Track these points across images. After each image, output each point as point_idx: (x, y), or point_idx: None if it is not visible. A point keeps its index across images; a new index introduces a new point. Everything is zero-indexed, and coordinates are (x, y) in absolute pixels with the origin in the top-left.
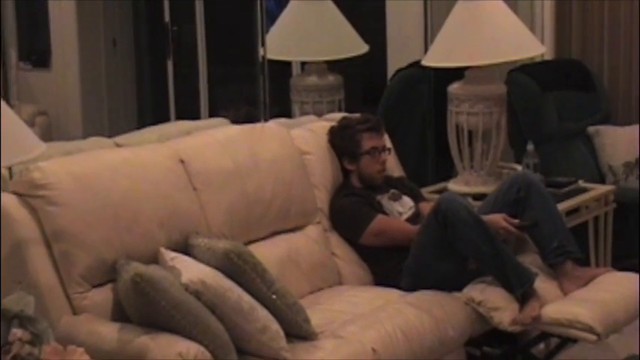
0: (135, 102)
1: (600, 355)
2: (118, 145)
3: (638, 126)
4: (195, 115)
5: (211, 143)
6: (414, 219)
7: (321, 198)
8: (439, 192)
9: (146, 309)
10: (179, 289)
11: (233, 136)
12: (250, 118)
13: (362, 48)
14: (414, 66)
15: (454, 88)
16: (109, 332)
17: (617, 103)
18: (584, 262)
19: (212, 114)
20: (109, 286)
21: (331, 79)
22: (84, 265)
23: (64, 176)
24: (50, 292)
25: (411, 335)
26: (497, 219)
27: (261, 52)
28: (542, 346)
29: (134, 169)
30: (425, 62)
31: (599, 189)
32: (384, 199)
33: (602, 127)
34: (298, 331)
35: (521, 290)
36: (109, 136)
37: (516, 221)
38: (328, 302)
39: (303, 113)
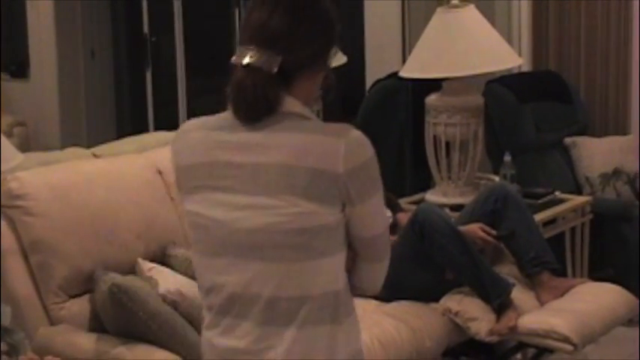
0: (113, 112)
1: None
2: (95, 156)
3: (614, 137)
4: (174, 126)
5: None
6: (391, 229)
7: None
8: (417, 203)
9: (123, 319)
10: (156, 300)
11: None
12: None
13: (340, 59)
14: (392, 77)
15: (432, 99)
16: (85, 343)
17: (593, 115)
18: (561, 273)
19: None
20: (87, 296)
21: None
22: (61, 275)
23: (41, 187)
24: (27, 302)
25: (388, 346)
26: (475, 229)
27: None
28: (519, 356)
29: (112, 180)
30: (402, 74)
31: (576, 200)
32: None
33: (579, 139)
34: None
35: (498, 301)
36: (88, 147)
37: (493, 231)
38: None
39: None
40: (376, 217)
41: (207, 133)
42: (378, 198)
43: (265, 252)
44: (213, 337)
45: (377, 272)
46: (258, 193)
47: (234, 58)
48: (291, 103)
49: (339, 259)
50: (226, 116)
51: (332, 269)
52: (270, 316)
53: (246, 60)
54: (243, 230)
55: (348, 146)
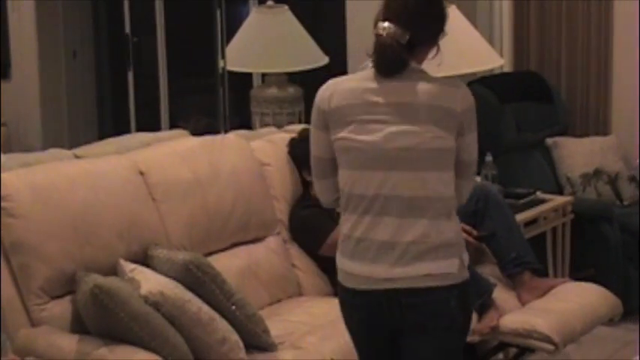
0: (95, 113)
1: None
2: (77, 157)
3: (595, 138)
4: (155, 127)
5: (171, 155)
6: None
7: (281, 209)
8: None
9: (105, 320)
10: (138, 301)
11: (193, 147)
12: (210, 130)
13: (322, 60)
14: None
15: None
16: (67, 344)
17: (574, 115)
18: (542, 273)
19: (172, 125)
20: (68, 297)
21: (291, 90)
22: (42, 276)
23: (22, 188)
24: (8, 304)
25: None
26: None
27: (221, 63)
28: (500, 356)
29: (93, 181)
30: None
31: (557, 200)
32: None
33: (560, 139)
34: (258, 342)
35: (480, 301)
36: (69, 148)
37: (474, 232)
38: (288, 313)
39: (264, 125)
40: (475, 145)
41: (356, 84)
42: (475, 133)
43: (408, 164)
44: (355, 235)
45: (466, 187)
46: (404, 123)
47: (378, 30)
48: (415, 64)
49: (452, 175)
50: (367, 73)
51: (449, 180)
52: (408, 212)
53: (388, 31)
54: (393, 149)
55: (463, 93)
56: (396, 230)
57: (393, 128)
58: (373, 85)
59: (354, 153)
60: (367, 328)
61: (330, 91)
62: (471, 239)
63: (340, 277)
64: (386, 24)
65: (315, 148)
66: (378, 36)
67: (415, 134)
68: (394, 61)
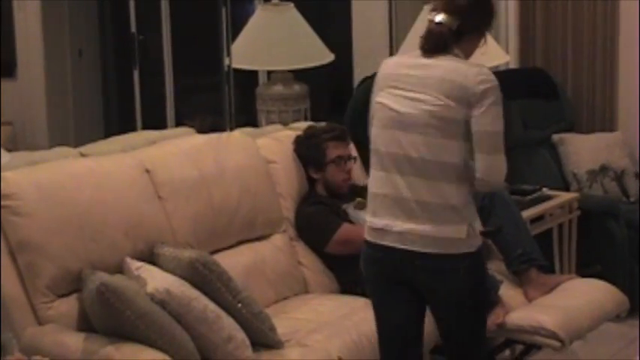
0: (101, 112)
1: None
2: (83, 155)
3: (601, 134)
4: (161, 125)
5: (177, 153)
6: None
7: (287, 207)
8: None
9: (111, 319)
10: (144, 299)
11: (198, 145)
12: (216, 128)
13: (328, 57)
14: None
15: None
16: (74, 342)
17: (580, 112)
18: (549, 270)
19: (178, 123)
20: (75, 296)
21: (297, 88)
22: (49, 275)
23: (28, 186)
24: (15, 302)
25: (376, 343)
26: None
27: (226, 61)
28: (507, 352)
29: (99, 179)
30: None
31: (564, 196)
32: (350, 208)
33: (566, 135)
34: (264, 340)
35: (487, 297)
36: (75, 146)
37: (480, 228)
38: (294, 311)
39: (269, 122)
40: (488, 121)
41: (403, 59)
42: (491, 109)
43: (417, 127)
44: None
45: (483, 161)
46: (420, 92)
47: (429, 17)
48: (457, 51)
49: (462, 145)
50: (417, 52)
51: (456, 149)
52: (416, 172)
53: (438, 19)
54: (406, 112)
55: (478, 72)
56: (407, 188)
57: (410, 94)
58: (413, 61)
59: (380, 114)
60: (386, 279)
61: (385, 61)
62: None
63: (365, 234)
64: (436, 13)
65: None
66: (429, 22)
67: (425, 102)
68: (437, 44)
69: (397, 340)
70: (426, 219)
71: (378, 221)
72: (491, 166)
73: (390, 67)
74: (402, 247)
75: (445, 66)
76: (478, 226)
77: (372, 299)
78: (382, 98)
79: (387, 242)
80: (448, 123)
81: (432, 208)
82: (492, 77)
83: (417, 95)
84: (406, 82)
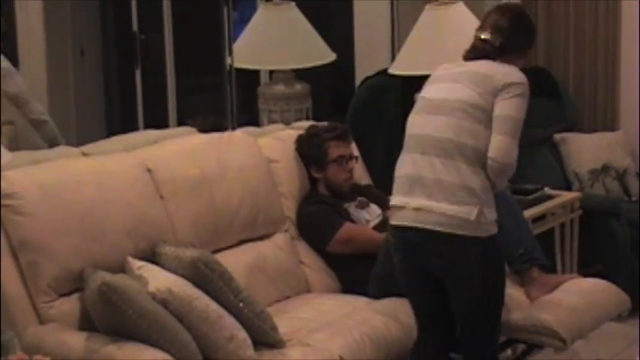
0: (103, 111)
1: None
2: (84, 155)
3: (603, 133)
4: (163, 124)
5: (178, 152)
6: (381, 227)
7: (289, 206)
8: None
9: (113, 318)
10: (146, 298)
11: (200, 144)
12: (218, 127)
13: (329, 56)
14: (382, 74)
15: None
16: (75, 342)
17: (582, 111)
18: (550, 269)
19: (180, 123)
20: (76, 295)
21: (299, 87)
22: (51, 274)
23: (30, 186)
24: (16, 301)
25: (378, 343)
26: None
27: (228, 60)
28: (508, 352)
29: (101, 178)
30: (391, 70)
31: (565, 196)
32: (352, 207)
33: (568, 135)
34: (265, 339)
35: None
36: (77, 146)
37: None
38: (296, 310)
39: (271, 122)
40: (510, 108)
41: (446, 64)
42: (516, 100)
43: (445, 111)
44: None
45: (496, 141)
46: (454, 82)
47: (476, 33)
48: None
49: (484, 131)
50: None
51: (479, 133)
52: (441, 152)
53: (483, 36)
54: (437, 99)
55: (508, 70)
56: (427, 167)
57: (445, 85)
58: (457, 64)
59: (417, 104)
60: (405, 268)
61: (436, 68)
62: None
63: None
64: (482, 30)
65: None
66: (474, 37)
67: (456, 90)
68: (479, 57)
69: (430, 319)
70: (441, 197)
71: (400, 199)
72: (502, 147)
73: (437, 70)
74: (417, 225)
75: (481, 64)
76: (494, 215)
77: (402, 287)
78: (423, 92)
79: (405, 221)
80: (475, 108)
81: (447, 187)
82: (522, 77)
83: (452, 85)
84: (445, 77)
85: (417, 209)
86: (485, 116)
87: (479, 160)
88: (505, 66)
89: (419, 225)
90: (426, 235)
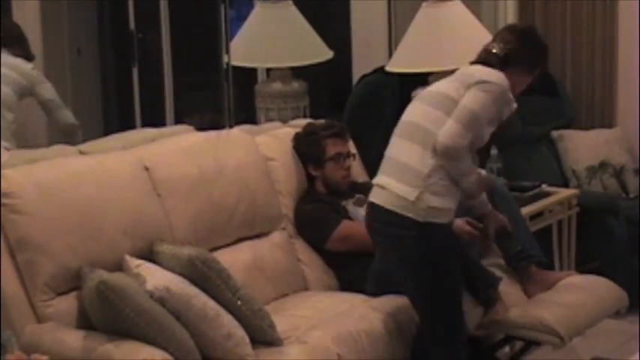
0: (100, 110)
1: (564, 357)
2: (82, 153)
3: (600, 130)
4: (160, 123)
5: (176, 150)
6: None
7: (286, 204)
8: None
9: (111, 316)
10: (144, 297)
11: (197, 143)
12: (215, 125)
13: (327, 54)
14: (379, 72)
15: (418, 93)
16: (73, 340)
17: (580, 108)
18: (548, 266)
19: (178, 121)
20: (74, 294)
21: (296, 85)
22: (48, 273)
23: (27, 184)
24: (14, 300)
25: (376, 340)
26: (461, 224)
27: (225, 58)
28: (506, 349)
29: (98, 177)
30: (389, 68)
31: (563, 193)
32: (349, 205)
33: (565, 132)
34: (263, 337)
35: (486, 294)
36: (75, 144)
37: (480, 225)
38: (293, 308)
39: (268, 120)
40: (474, 100)
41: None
42: (483, 95)
43: (432, 99)
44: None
45: (446, 125)
46: (449, 78)
47: (485, 46)
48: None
49: (445, 118)
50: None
51: (439, 119)
52: (414, 138)
53: (490, 47)
54: (430, 91)
55: (486, 71)
56: (396, 148)
57: (442, 80)
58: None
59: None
60: (374, 243)
61: None
62: (476, 233)
63: None
64: (491, 42)
65: None
66: (483, 47)
67: (443, 82)
68: (483, 61)
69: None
70: (394, 175)
71: (375, 178)
72: (449, 131)
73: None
74: (372, 200)
75: (475, 66)
76: (443, 204)
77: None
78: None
79: (369, 198)
80: (447, 100)
81: (401, 166)
82: (503, 81)
83: (446, 79)
84: (439, 80)
85: (376, 186)
86: (454, 107)
87: (433, 145)
88: (495, 70)
89: (373, 200)
90: (376, 210)
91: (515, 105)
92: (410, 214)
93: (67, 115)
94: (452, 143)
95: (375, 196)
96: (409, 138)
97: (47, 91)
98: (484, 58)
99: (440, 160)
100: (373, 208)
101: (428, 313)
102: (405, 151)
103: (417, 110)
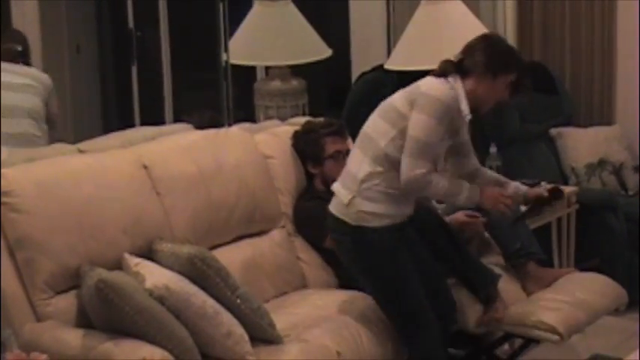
0: (99, 108)
1: (563, 355)
2: (81, 152)
3: (599, 128)
4: (159, 121)
5: (175, 149)
6: None
7: (285, 202)
8: None
9: (110, 315)
10: (143, 295)
11: (196, 141)
12: (214, 124)
13: (325, 52)
14: (378, 70)
15: None
16: (72, 338)
17: (579, 105)
18: (547, 263)
19: (177, 119)
20: (73, 292)
21: (295, 83)
22: (47, 271)
23: (26, 183)
24: (13, 299)
25: (375, 338)
26: (458, 216)
27: (224, 57)
28: (506, 346)
29: (97, 175)
30: (387, 66)
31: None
32: None
33: (564, 129)
34: (263, 335)
35: (485, 292)
36: (74, 143)
37: (477, 213)
38: (293, 306)
39: (267, 118)
40: (417, 126)
41: None
42: (424, 120)
43: (380, 113)
44: None
45: (404, 164)
46: (399, 92)
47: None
48: (451, 79)
49: (392, 132)
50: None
51: (388, 134)
52: (363, 147)
53: (451, 58)
54: (385, 102)
55: (429, 84)
56: (350, 158)
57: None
58: None
59: None
60: None
61: None
62: (474, 220)
63: None
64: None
65: None
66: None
67: (396, 94)
68: (439, 70)
69: None
70: (340, 180)
71: None
72: (404, 169)
73: None
74: (329, 208)
75: (426, 78)
76: (376, 209)
77: None
78: None
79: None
80: (394, 112)
81: (346, 173)
82: (443, 95)
83: (401, 91)
84: None
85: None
86: (399, 120)
87: (378, 157)
88: (441, 82)
89: (328, 207)
90: (328, 217)
91: (468, 116)
92: (344, 218)
93: (59, 135)
94: (412, 177)
95: (331, 204)
96: (358, 146)
97: (55, 104)
98: (442, 67)
99: (410, 193)
100: (328, 215)
101: (386, 312)
102: (351, 159)
103: (370, 121)
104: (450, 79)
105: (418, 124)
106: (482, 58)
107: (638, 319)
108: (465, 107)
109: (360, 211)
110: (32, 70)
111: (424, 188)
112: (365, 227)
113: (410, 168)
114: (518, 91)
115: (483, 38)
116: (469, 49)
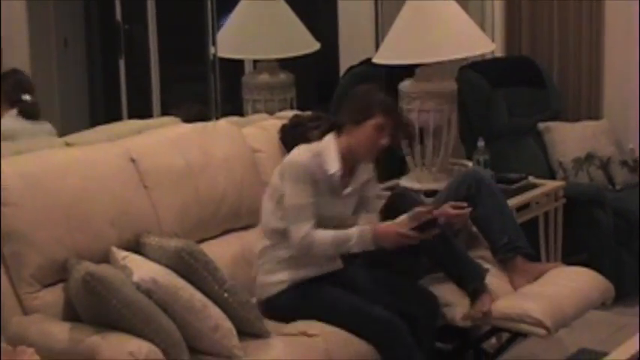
0: (87, 101)
1: (550, 349)
2: (68, 145)
3: (587, 122)
4: (147, 114)
5: (162, 142)
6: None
7: None
8: (391, 189)
9: (97, 308)
10: (130, 288)
11: (184, 134)
12: (202, 117)
13: (313, 46)
14: (366, 63)
15: (405, 85)
16: (59, 332)
17: (566, 100)
18: (535, 257)
19: (164, 113)
20: (60, 285)
21: (283, 77)
22: (34, 265)
23: (13, 176)
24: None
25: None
26: (444, 208)
27: (212, 50)
28: (493, 340)
29: (84, 169)
30: (376, 60)
31: (549, 185)
32: None
33: (552, 124)
34: (251, 329)
35: (472, 286)
36: (61, 136)
37: (464, 204)
38: None
39: (255, 111)
40: (288, 191)
41: None
42: (290, 186)
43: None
44: None
45: (288, 232)
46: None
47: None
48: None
49: (274, 210)
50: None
51: (268, 210)
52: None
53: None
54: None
55: (295, 152)
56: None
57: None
58: None
59: None
60: None
61: None
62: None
63: None
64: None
65: None
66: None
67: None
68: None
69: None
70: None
71: None
72: (290, 237)
73: None
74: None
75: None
76: (270, 280)
77: None
78: None
79: None
80: (272, 187)
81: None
82: (301, 159)
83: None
84: None
85: None
86: (275, 193)
87: (267, 232)
88: (303, 148)
89: None
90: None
91: (337, 171)
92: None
93: None
94: (297, 243)
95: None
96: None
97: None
98: (322, 131)
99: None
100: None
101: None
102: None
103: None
104: (325, 140)
105: (287, 192)
106: (345, 112)
107: (625, 313)
108: (332, 164)
109: (263, 284)
110: (48, 127)
111: (310, 248)
112: (269, 297)
113: (293, 235)
114: (401, 131)
115: (350, 94)
116: (338, 108)
